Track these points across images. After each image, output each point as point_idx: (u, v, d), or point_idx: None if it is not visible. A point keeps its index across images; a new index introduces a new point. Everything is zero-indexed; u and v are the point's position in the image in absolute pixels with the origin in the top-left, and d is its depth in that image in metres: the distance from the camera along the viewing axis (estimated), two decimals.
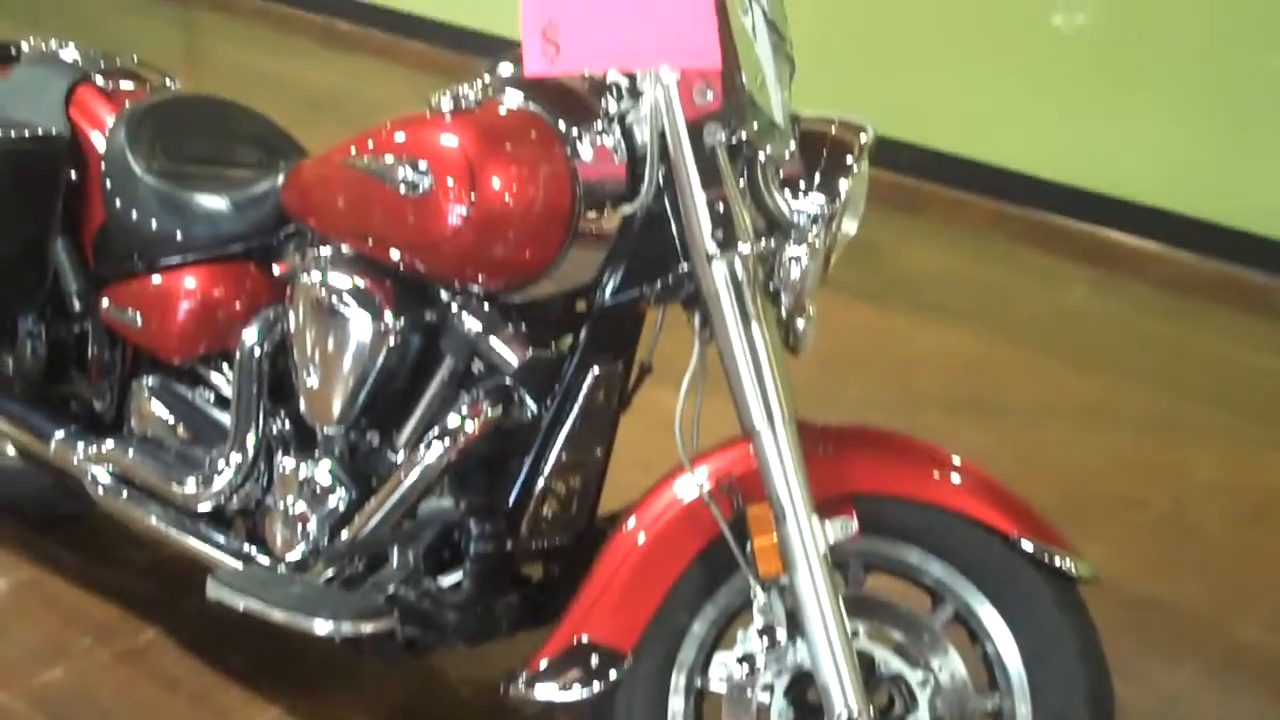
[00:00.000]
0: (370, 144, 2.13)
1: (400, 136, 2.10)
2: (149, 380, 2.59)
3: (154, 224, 2.51)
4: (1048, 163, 5.05)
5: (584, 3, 1.79)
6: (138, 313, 2.53)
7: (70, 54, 2.82)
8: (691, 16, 1.82)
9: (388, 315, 2.19)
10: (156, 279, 2.52)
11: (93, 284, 2.67)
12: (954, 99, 5.20)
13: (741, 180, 1.96)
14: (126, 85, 2.78)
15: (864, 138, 2.11)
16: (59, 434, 2.65)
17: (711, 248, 1.90)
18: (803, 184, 2.06)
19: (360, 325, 2.20)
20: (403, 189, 2.04)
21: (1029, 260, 4.93)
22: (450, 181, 2.00)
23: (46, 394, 2.82)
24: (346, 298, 2.21)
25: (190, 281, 2.48)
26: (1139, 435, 3.77)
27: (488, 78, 2.09)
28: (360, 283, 2.21)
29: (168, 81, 2.86)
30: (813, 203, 2.04)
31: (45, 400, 2.80)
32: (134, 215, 2.53)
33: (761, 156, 1.97)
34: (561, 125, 2.01)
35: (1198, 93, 4.74)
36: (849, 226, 2.11)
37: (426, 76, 6.19)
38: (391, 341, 2.20)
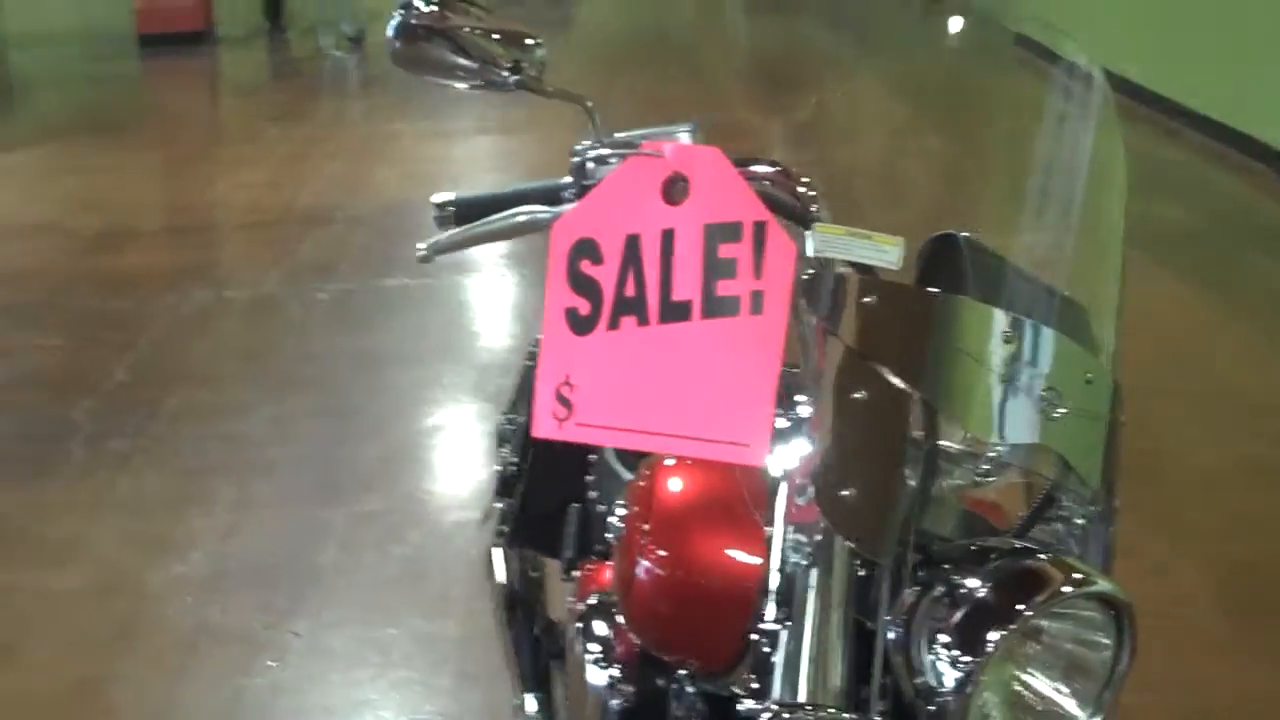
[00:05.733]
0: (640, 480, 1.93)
1: (634, 476, 1.93)
2: None
3: None
4: None
5: (610, 361, 1.49)
6: None
7: None
8: (740, 396, 1.43)
9: (624, 677, 1.98)
10: None
11: None
12: None
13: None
14: None
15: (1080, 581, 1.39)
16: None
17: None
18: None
19: (597, 676, 2.00)
20: (611, 533, 1.92)
21: None
22: (641, 531, 1.81)
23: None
24: (598, 644, 2.04)
25: None
26: None
27: None
28: (610, 631, 2.00)
29: None
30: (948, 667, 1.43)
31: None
32: None
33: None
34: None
35: None
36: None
37: None
38: (616, 703, 1.99)
